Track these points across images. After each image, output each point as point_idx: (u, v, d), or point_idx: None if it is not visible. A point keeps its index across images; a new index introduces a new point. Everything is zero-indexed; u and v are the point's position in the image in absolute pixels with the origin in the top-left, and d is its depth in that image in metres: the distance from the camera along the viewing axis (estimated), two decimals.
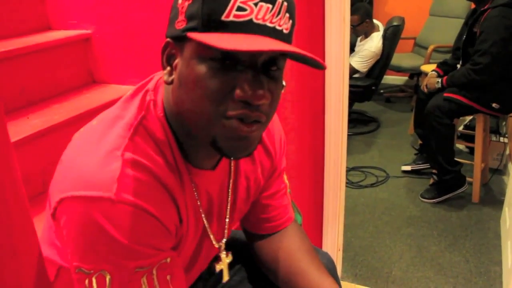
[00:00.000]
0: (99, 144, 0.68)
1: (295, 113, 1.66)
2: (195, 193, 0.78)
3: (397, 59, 4.07)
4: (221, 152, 0.68)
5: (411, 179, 3.06)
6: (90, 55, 1.76)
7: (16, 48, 1.51)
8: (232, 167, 0.86)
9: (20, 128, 1.36)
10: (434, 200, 2.74)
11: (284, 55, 0.66)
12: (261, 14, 0.61)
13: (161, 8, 1.58)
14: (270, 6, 0.61)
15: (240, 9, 0.60)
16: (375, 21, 3.66)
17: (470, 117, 3.22)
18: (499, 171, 3.05)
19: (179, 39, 0.66)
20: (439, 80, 2.66)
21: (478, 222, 2.54)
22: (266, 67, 0.65)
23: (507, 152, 3.05)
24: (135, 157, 0.67)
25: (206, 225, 0.83)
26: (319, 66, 0.65)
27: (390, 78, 4.90)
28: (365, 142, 3.65)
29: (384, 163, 3.27)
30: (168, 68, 0.70)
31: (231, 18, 0.60)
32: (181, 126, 0.72)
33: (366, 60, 3.50)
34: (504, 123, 3.37)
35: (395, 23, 3.43)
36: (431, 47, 3.91)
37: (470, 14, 2.69)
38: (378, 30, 3.56)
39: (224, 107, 0.63)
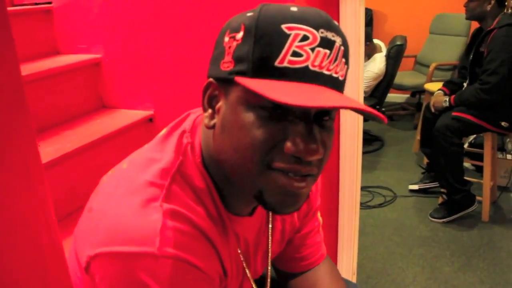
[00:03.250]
0: (134, 193, 0.62)
1: None
2: (237, 242, 0.74)
3: (399, 77, 4.08)
4: (265, 206, 0.63)
5: (419, 198, 3.03)
6: (100, 80, 1.74)
7: (25, 74, 1.48)
8: (269, 212, 0.82)
9: None
10: (444, 220, 2.70)
11: None
12: (317, 60, 0.56)
13: (172, 32, 1.57)
14: (328, 52, 0.57)
15: (295, 54, 0.55)
16: (376, 41, 3.67)
17: (474, 135, 3.21)
18: (507, 189, 3.03)
19: (224, 81, 0.61)
20: (447, 99, 2.65)
21: (490, 242, 2.51)
22: (319, 117, 0.60)
23: None
24: (174, 207, 0.62)
25: (247, 272, 0.79)
26: (377, 119, 0.59)
27: (392, 96, 4.90)
28: (370, 161, 3.62)
29: (391, 182, 3.24)
30: (210, 111, 0.64)
31: (285, 64, 0.55)
32: (221, 173, 0.66)
33: (369, 82, 3.50)
34: (508, 140, 3.36)
35: (398, 43, 3.44)
36: (432, 65, 3.92)
37: (476, 33, 2.70)
38: (381, 51, 3.57)
39: (270, 157, 0.58)
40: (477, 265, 2.31)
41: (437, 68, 3.98)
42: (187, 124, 0.71)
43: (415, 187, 3.09)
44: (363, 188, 3.15)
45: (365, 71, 3.51)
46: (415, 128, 3.95)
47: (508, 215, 2.77)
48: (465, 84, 2.70)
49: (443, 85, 2.87)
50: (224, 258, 0.69)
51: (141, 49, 1.64)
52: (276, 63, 0.56)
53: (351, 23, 1.48)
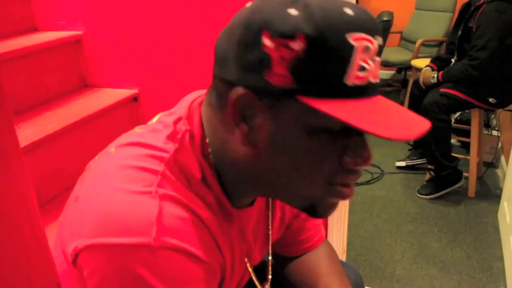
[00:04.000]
0: (125, 179, 0.57)
1: None
2: (241, 235, 0.70)
3: (385, 53, 4.05)
4: (312, 214, 0.62)
5: (406, 175, 3.03)
6: (81, 58, 1.67)
7: (1, 52, 1.41)
8: (269, 201, 0.78)
9: None
10: (431, 196, 2.72)
11: None
12: (375, 71, 0.53)
13: (157, 5, 1.50)
14: (379, 59, 0.54)
15: (361, 68, 0.51)
16: None
17: (460, 111, 3.21)
18: (492, 165, 3.05)
19: (272, 95, 0.53)
20: (435, 75, 2.63)
21: (476, 217, 2.53)
22: None
23: (500, 145, 3.05)
24: (171, 193, 0.56)
25: (248, 262, 0.75)
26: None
27: None
28: None
29: (378, 159, 3.23)
30: (245, 127, 0.57)
31: (354, 80, 0.51)
32: (235, 177, 0.63)
33: None
34: (493, 116, 3.38)
35: (385, 18, 3.41)
36: (419, 41, 3.89)
37: (464, 8, 2.67)
38: None
39: (331, 176, 0.57)
40: (464, 240, 2.33)
41: (423, 44, 3.96)
42: (182, 111, 0.64)
43: (402, 163, 3.09)
44: None
45: None
46: (401, 104, 3.95)
47: (493, 191, 2.80)
48: (453, 60, 2.68)
49: (431, 61, 2.84)
50: (224, 252, 0.65)
51: (124, 25, 1.57)
52: (345, 81, 0.51)
53: None
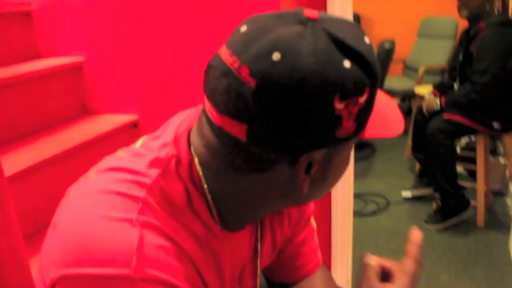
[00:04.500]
0: (105, 205, 0.54)
1: None
2: (232, 260, 0.67)
3: (388, 82, 4.05)
4: None
5: (413, 205, 2.97)
6: (82, 84, 1.66)
7: (3, 78, 1.41)
8: (259, 224, 0.74)
9: (10, 163, 1.24)
10: (439, 226, 2.64)
11: None
12: None
13: (156, 32, 1.50)
14: None
15: None
16: None
17: (467, 139, 3.18)
18: (501, 193, 2.99)
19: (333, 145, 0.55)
20: (438, 101, 2.61)
21: (486, 248, 2.46)
22: None
23: (508, 173, 3.00)
24: (153, 221, 0.53)
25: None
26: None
27: None
28: (362, 168, 3.57)
29: (384, 189, 3.18)
30: (307, 178, 0.57)
31: None
32: (234, 206, 0.61)
33: None
34: (499, 143, 3.33)
35: (386, 47, 3.41)
36: (422, 69, 3.89)
37: (465, 33, 2.67)
38: None
39: None
40: (474, 272, 2.25)
41: (426, 72, 3.95)
42: (168, 137, 0.61)
43: (408, 194, 3.03)
44: (355, 196, 3.08)
45: None
46: (407, 133, 3.92)
47: (503, 220, 2.73)
48: (455, 86, 2.67)
49: (434, 87, 2.83)
50: (210, 282, 0.61)
51: (125, 51, 1.57)
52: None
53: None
